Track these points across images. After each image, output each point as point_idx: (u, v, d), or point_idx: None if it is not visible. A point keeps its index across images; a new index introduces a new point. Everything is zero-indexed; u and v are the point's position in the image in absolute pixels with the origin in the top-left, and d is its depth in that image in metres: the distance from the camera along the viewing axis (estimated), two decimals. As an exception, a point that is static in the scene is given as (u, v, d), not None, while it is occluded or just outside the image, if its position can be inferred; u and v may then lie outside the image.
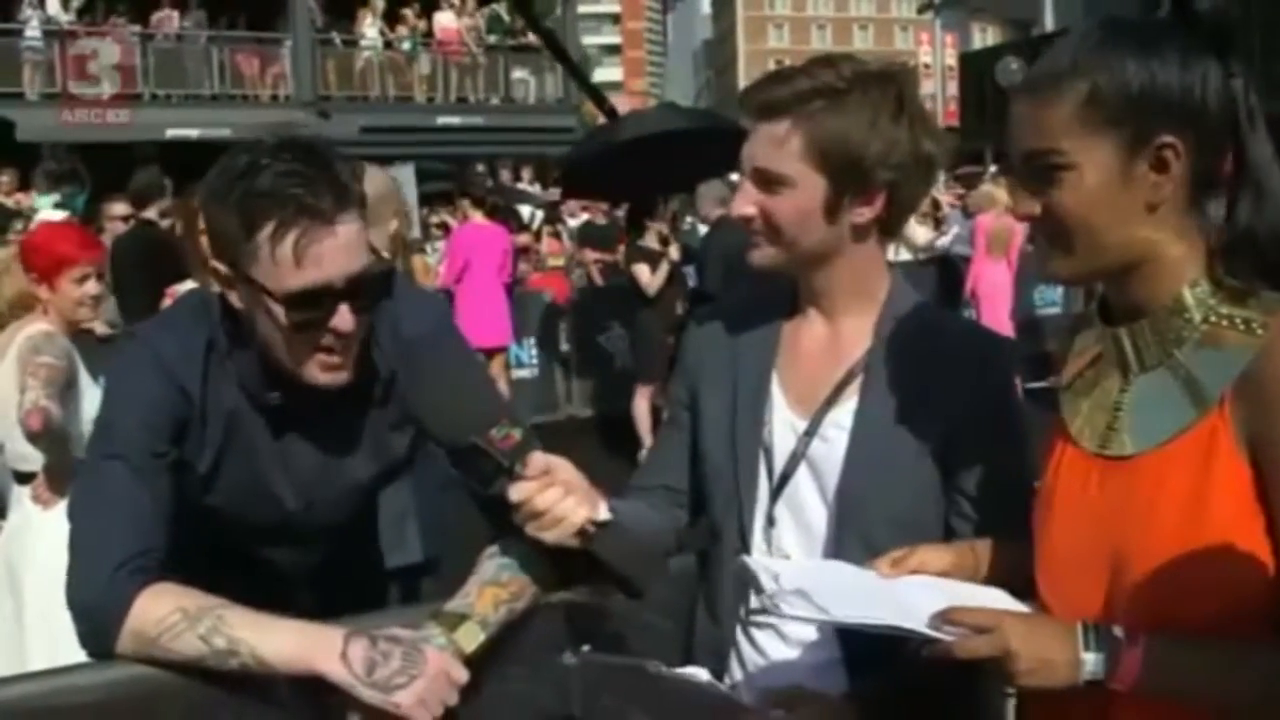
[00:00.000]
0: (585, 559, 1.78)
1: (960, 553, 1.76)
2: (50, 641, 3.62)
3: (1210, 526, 1.43)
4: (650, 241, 9.18)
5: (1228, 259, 1.50)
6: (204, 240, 3.89)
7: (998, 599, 1.65)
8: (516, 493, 1.71)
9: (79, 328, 4.26)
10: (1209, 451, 1.45)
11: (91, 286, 4.20)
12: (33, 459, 4.04)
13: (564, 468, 1.75)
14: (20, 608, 3.93)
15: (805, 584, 1.58)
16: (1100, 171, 1.48)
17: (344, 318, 1.80)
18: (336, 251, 1.78)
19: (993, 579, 1.71)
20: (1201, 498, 1.44)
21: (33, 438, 3.90)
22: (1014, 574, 1.68)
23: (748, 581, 1.64)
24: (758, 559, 1.70)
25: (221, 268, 1.83)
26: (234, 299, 1.85)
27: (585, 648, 1.80)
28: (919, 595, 1.58)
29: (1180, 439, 1.47)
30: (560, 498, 1.72)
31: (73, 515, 1.83)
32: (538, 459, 1.73)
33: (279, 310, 1.78)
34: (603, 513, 1.75)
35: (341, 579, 2.09)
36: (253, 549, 1.98)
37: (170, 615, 1.68)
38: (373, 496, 2.05)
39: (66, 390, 3.97)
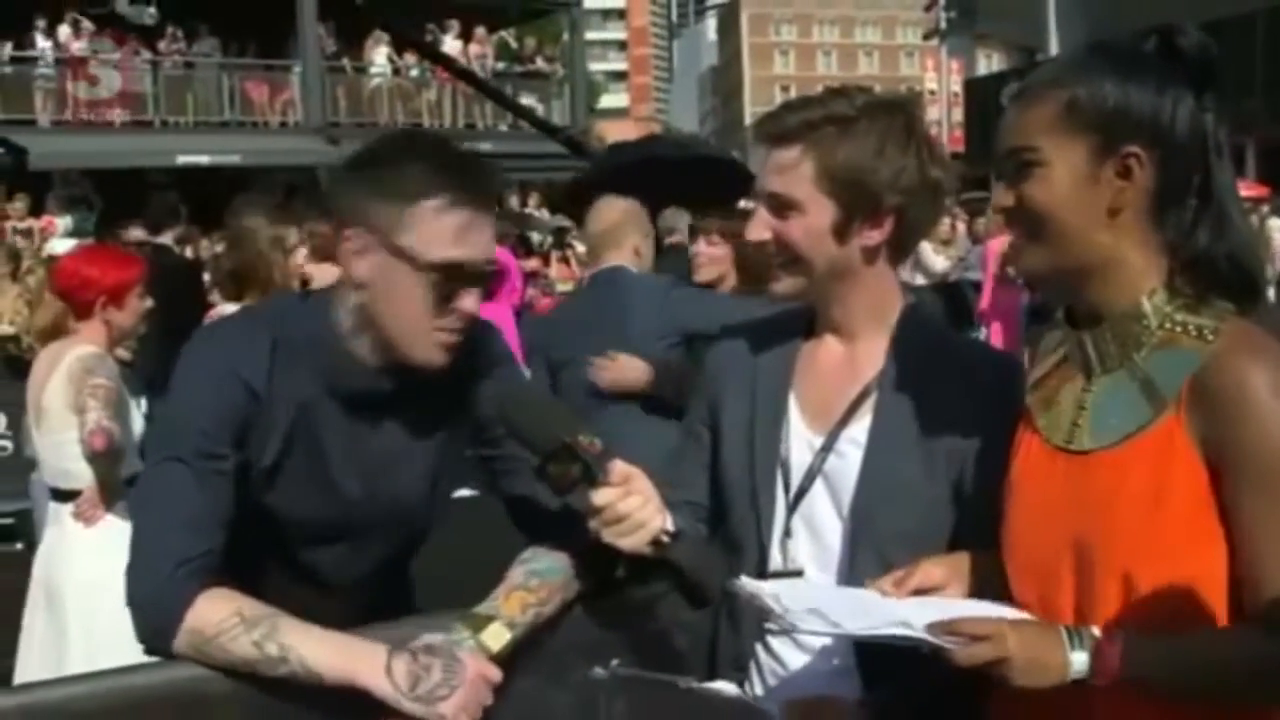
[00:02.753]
0: (633, 567, 1.85)
1: (959, 561, 1.82)
2: (90, 659, 3.67)
3: (1169, 522, 1.55)
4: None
5: (1187, 274, 1.63)
6: (299, 253, 4.15)
7: (987, 611, 1.71)
8: (601, 497, 1.77)
9: (116, 349, 4.32)
10: (1167, 451, 1.56)
11: (148, 300, 4.29)
12: (75, 477, 4.08)
13: (640, 476, 1.81)
14: (62, 626, 3.95)
15: (815, 603, 1.66)
16: (1069, 170, 1.61)
17: (473, 300, 1.89)
18: (487, 239, 1.90)
19: (993, 587, 1.76)
20: (1160, 495, 1.55)
21: (94, 458, 3.94)
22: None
23: (753, 602, 1.71)
24: (746, 581, 1.76)
25: (358, 235, 1.88)
26: (361, 270, 1.89)
27: (615, 662, 1.84)
28: (916, 610, 1.66)
29: (1138, 437, 1.59)
30: (642, 504, 1.78)
31: (134, 514, 1.88)
32: (619, 466, 1.79)
33: (423, 278, 1.85)
34: (672, 522, 1.82)
35: (386, 586, 2.13)
36: (304, 551, 2.03)
37: (229, 618, 1.74)
38: (428, 501, 2.10)
39: (120, 410, 4.02)
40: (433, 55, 19.79)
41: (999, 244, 10.32)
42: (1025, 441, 1.74)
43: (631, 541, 1.79)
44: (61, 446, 4.08)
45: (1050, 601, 1.65)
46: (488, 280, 1.94)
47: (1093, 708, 1.59)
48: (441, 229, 1.84)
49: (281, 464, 1.94)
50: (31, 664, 3.95)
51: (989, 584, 1.76)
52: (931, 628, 1.59)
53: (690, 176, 8.41)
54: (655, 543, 1.79)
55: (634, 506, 1.78)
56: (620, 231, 4.37)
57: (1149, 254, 1.63)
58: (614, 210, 4.45)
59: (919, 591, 1.75)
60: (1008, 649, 1.54)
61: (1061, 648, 1.54)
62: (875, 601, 1.74)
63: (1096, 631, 1.55)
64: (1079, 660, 1.54)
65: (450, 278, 1.86)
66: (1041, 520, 1.67)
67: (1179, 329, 1.60)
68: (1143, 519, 1.56)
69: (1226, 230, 1.62)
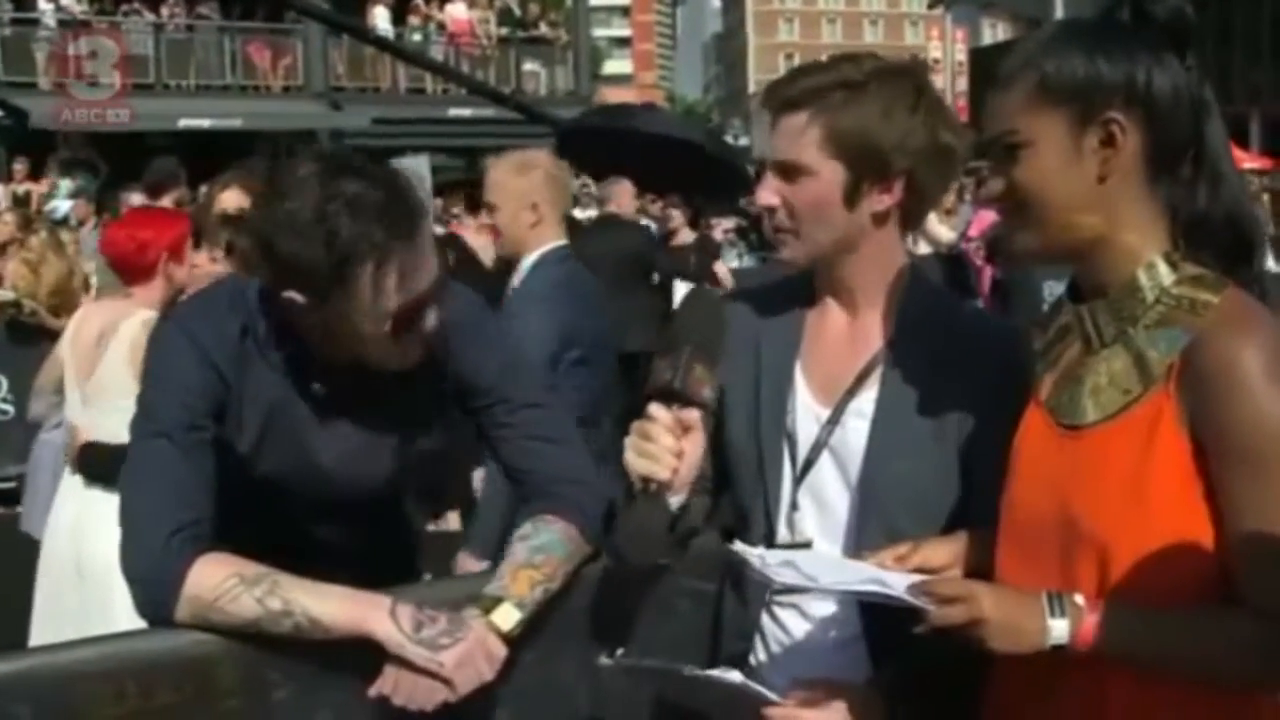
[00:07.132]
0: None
1: (965, 544, 1.81)
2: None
3: (1154, 499, 1.54)
4: None
5: (1187, 241, 1.62)
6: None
7: None
8: (659, 413, 1.74)
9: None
10: (1153, 428, 1.55)
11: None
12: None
13: (699, 442, 1.78)
14: (104, 600, 3.86)
15: (792, 558, 1.72)
16: (1053, 146, 1.61)
17: (432, 320, 1.90)
18: (424, 268, 1.87)
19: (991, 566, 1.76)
20: (1146, 471, 1.54)
21: None
22: None
23: (740, 564, 1.76)
24: (740, 546, 1.77)
25: (298, 297, 1.84)
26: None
27: (619, 651, 1.85)
28: (897, 577, 1.69)
29: (1127, 414, 1.58)
30: (672, 450, 1.73)
31: (122, 491, 1.89)
32: (695, 415, 1.76)
33: (382, 326, 1.85)
34: (680, 498, 1.80)
35: (381, 553, 2.15)
36: (294, 523, 2.04)
37: (227, 580, 1.75)
38: (412, 467, 2.12)
39: None
40: (377, 41, 19.55)
41: (990, 215, 10.24)
42: (1029, 413, 1.73)
43: (635, 463, 1.73)
44: (121, 413, 4.00)
45: (1034, 572, 1.65)
46: (440, 295, 1.92)
47: (1106, 686, 1.58)
48: (384, 289, 1.83)
49: (260, 450, 1.96)
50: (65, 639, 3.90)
51: (987, 563, 1.75)
52: (910, 588, 1.61)
53: (657, 157, 8.45)
54: (645, 481, 1.73)
55: (666, 445, 1.72)
56: (566, 191, 3.79)
57: (1146, 222, 1.62)
58: (553, 165, 3.85)
59: (920, 571, 1.75)
60: (983, 611, 1.56)
61: (1040, 614, 1.55)
62: (860, 567, 1.76)
63: (1079, 599, 1.56)
64: (1059, 627, 1.54)
65: (407, 317, 1.86)
66: (1033, 492, 1.68)
67: (1175, 303, 1.59)
68: (1128, 495, 1.55)
69: (1222, 190, 1.62)
